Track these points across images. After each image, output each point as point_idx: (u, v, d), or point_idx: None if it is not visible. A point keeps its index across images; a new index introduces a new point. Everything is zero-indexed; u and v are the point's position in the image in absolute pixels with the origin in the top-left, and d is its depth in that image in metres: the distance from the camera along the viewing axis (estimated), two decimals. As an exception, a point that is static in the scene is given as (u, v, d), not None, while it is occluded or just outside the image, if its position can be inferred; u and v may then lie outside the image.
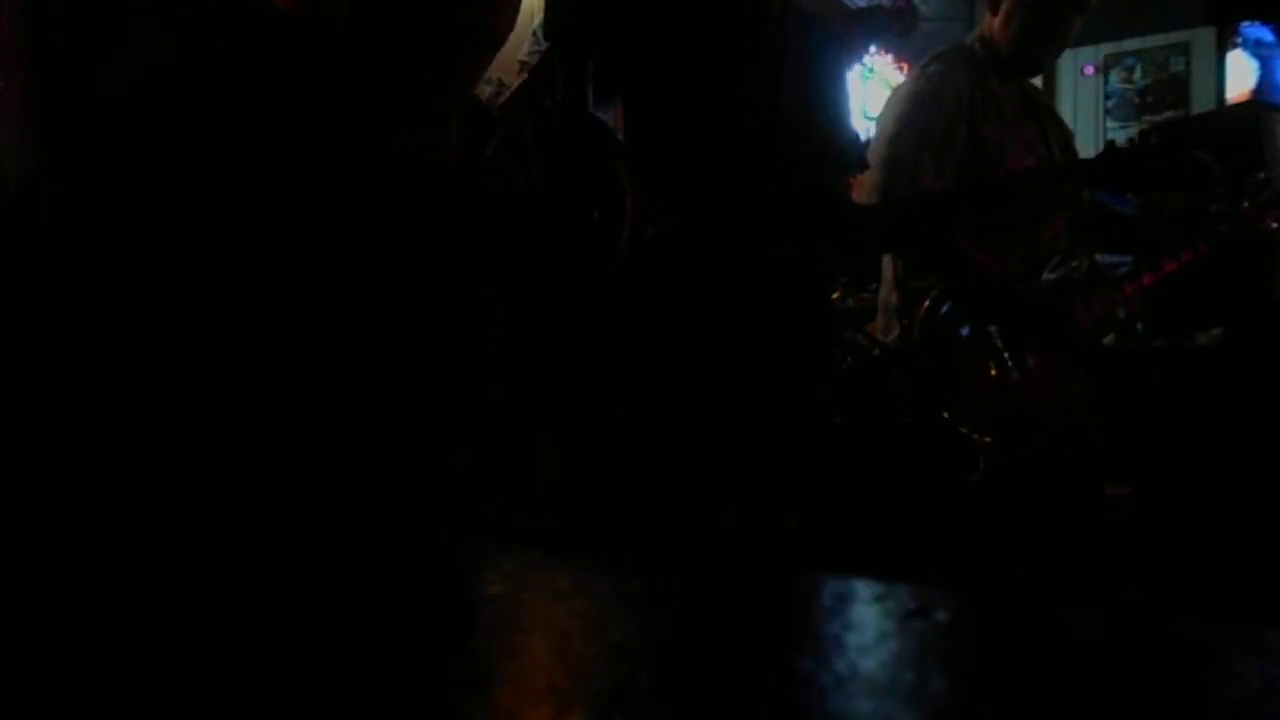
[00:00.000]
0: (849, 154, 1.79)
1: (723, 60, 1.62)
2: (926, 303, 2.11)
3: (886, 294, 2.27)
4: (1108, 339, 2.52)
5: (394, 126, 0.69)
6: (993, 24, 2.24)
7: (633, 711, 0.29)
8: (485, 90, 1.51)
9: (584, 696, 0.30)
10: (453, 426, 0.68)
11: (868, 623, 0.39)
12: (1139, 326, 2.76)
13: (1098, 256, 2.34)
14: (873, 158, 2.27)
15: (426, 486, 0.64)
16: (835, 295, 2.73)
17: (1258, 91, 4.86)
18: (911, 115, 2.16)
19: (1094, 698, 0.32)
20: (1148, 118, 5.30)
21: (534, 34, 2.65)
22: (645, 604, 0.40)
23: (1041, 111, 2.34)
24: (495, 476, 0.69)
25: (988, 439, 2.07)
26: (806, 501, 1.63)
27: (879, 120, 2.33)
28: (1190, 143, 2.42)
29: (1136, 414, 2.62)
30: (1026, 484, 2.13)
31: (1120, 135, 4.37)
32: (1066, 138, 2.36)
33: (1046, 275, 2.21)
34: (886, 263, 2.28)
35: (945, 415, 2.08)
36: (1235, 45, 4.95)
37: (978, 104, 2.16)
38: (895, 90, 2.39)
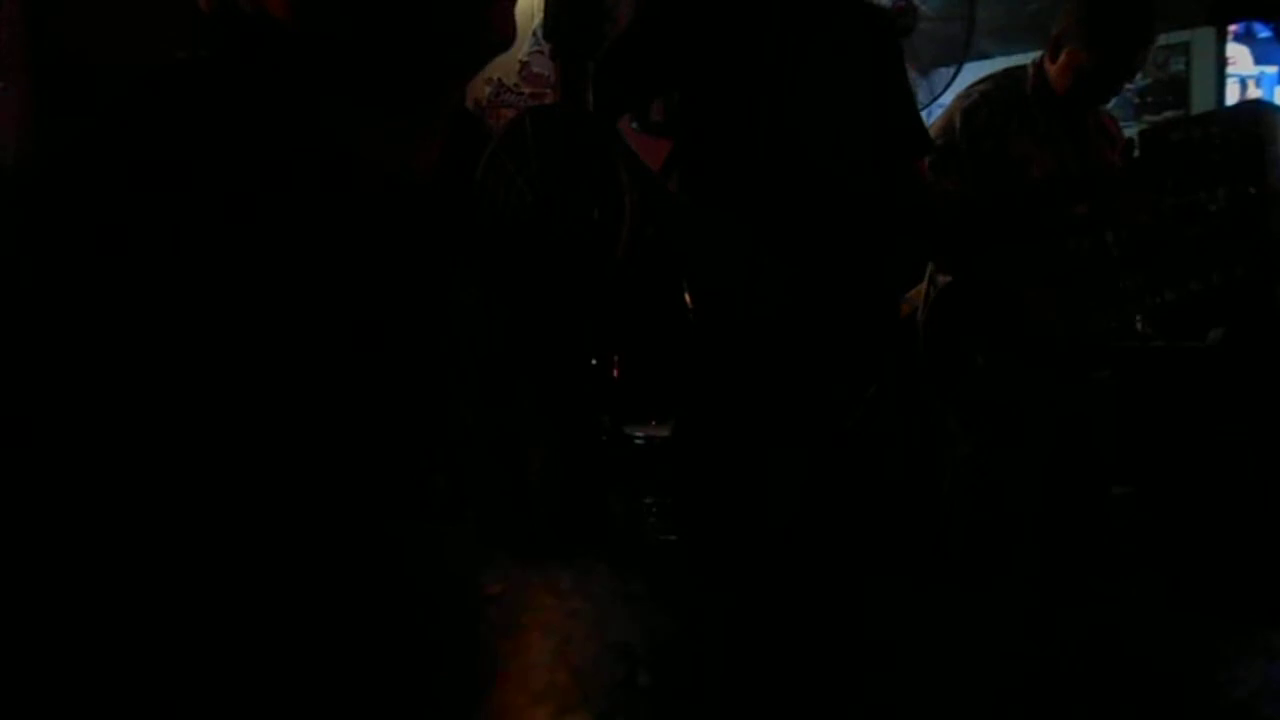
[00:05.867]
0: (908, 137, 1.82)
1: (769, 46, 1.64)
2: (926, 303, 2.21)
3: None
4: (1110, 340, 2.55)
5: (379, 134, 0.69)
6: (1048, 64, 2.32)
7: (633, 711, 0.29)
8: (485, 90, 1.51)
9: (584, 696, 0.30)
10: (428, 449, 0.67)
11: (867, 621, 0.39)
12: (1139, 326, 2.77)
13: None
14: None
15: (401, 507, 0.63)
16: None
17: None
18: (942, 129, 2.29)
19: (1094, 697, 0.32)
20: (1148, 118, 5.30)
21: (534, 34, 2.65)
22: (645, 604, 0.40)
23: (1093, 132, 2.38)
24: (474, 495, 0.69)
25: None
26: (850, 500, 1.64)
27: None
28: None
29: (1136, 414, 2.62)
30: (1031, 483, 2.15)
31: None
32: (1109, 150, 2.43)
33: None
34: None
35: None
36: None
37: (1011, 121, 2.29)
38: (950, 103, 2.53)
